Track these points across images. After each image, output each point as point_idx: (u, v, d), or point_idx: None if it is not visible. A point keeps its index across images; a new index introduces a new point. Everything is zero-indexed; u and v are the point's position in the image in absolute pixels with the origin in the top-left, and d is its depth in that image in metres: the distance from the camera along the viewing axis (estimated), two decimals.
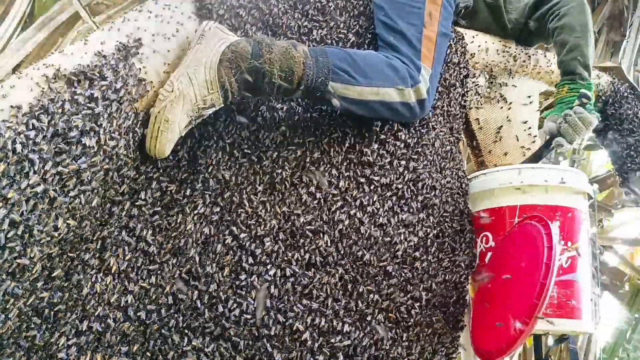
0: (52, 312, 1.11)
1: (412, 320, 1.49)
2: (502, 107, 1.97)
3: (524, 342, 1.42)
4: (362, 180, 1.49)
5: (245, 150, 1.40)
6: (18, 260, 1.02)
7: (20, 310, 1.06)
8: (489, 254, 1.66)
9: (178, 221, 1.30)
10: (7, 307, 1.03)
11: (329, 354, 1.34)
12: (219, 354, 1.26)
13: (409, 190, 1.55)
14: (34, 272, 1.07)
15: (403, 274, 1.49)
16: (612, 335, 3.33)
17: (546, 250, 1.41)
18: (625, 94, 2.26)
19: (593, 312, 1.61)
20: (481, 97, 1.94)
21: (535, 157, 1.84)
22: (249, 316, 1.29)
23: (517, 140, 1.97)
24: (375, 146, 1.53)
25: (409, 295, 1.49)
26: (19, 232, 1.01)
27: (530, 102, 2.03)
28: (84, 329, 1.14)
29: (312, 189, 1.42)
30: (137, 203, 1.27)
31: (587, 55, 1.77)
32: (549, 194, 1.64)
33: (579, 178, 1.68)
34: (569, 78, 1.77)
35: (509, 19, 1.98)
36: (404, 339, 1.47)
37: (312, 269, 1.37)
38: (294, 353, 1.31)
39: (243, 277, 1.31)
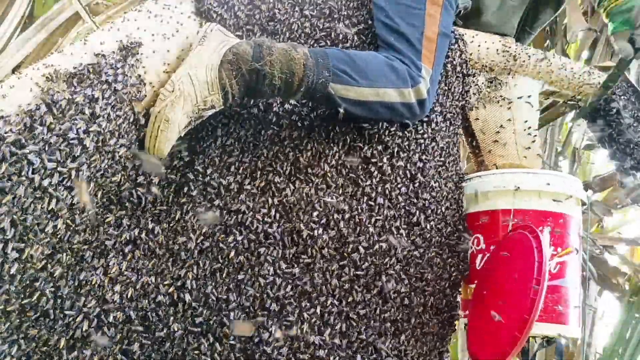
0: (52, 312, 1.11)
1: (407, 320, 1.49)
2: (502, 107, 1.97)
3: (516, 353, 1.44)
4: (362, 180, 1.49)
5: (245, 151, 1.40)
6: (18, 261, 1.02)
7: (20, 311, 1.06)
8: (479, 256, 1.68)
9: (177, 220, 1.30)
10: (8, 307, 1.03)
11: (326, 353, 1.34)
12: (217, 354, 1.26)
13: (407, 190, 1.56)
14: (33, 272, 1.07)
15: (399, 275, 1.49)
16: (611, 335, 3.32)
17: (537, 265, 1.43)
18: (625, 93, 2.26)
19: (580, 317, 1.62)
20: (481, 97, 1.94)
21: (612, 78, 1.89)
22: (249, 316, 1.29)
23: (517, 141, 1.97)
24: (375, 146, 1.53)
25: (404, 296, 1.49)
26: (19, 232, 1.01)
27: (528, 102, 2.03)
28: (83, 329, 1.14)
29: (312, 188, 1.42)
30: (136, 203, 1.27)
31: None
32: (542, 199, 1.65)
33: (572, 184, 1.69)
34: None
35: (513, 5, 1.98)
36: (400, 340, 1.47)
37: (312, 269, 1.37)
38: (293, 350, 1.31)
39: (242, 276, 1.31)
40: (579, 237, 1.69)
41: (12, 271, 1.02)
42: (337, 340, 1.36)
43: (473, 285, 1.66)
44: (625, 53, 1.75)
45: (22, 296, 1.06)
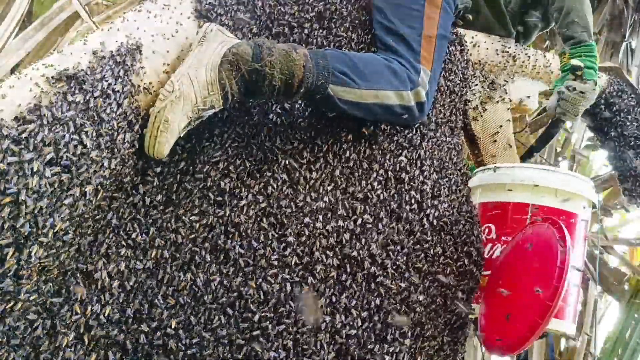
0: (52, 312, 1.11)
1: (419, 316, 1.48)
2: (501, 108, 1.97)
3: (535, 340, 1.47)
4: (362, 180, 1.49)
5: (244, 152, 1.40)
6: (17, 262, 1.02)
7: (23, 311, 1.06)
8: (489, 245, 1.70)
9: (177, 221, 1.30)
10: (9, 308, 1.03)
11: (336, 349, 1.33)
12: (216, 355, 1.26)
13: (410, 190, 1.55)
14: (34, 273, 1.07)
15: (409, 273, 1.49)
16: (611, 335, 3.33)
17: (559, 254, 1.46)
18: (624, 91, 2.26)
19: (575, 315, 1.65)
20: (480, 98, 1.94)
21: (544, 139, 1.92)
22: (249, 315, 1.29)
23: (514, 143, 1.98)
24: (375, 147, 1.53)
25: (416, 294, 1.49)
26: (19, 234, 1.01)
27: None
28: (82, 329, 1.14)
29: (312, 189, 1.42)
30: (136, 203, 1.26)
31: (584, 17, 1.78)
32: (558, 197, 1.67)
33: (587, 186, 1.71)
34: (569, 43, 1.77)
35: (508, 11, 1.99)
36: (413, 334, 1.46)
37: (314, 269, 1.37)
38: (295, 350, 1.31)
39: (242, 279, 1.31)
40: (585, 239, 1.70)
41: (12, 272, 1.02)
42: (345, 336, 1.35)
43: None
44: (549, 110, 1.82)
45: (24, 296, 1.06)
